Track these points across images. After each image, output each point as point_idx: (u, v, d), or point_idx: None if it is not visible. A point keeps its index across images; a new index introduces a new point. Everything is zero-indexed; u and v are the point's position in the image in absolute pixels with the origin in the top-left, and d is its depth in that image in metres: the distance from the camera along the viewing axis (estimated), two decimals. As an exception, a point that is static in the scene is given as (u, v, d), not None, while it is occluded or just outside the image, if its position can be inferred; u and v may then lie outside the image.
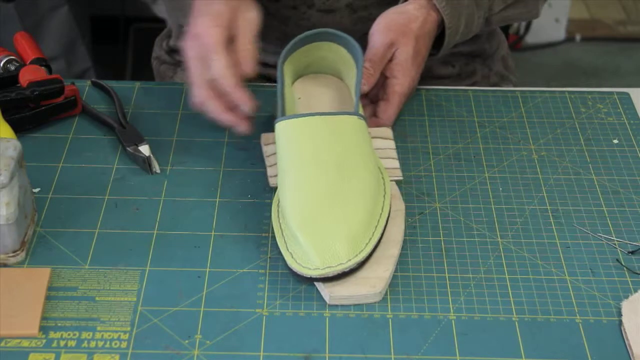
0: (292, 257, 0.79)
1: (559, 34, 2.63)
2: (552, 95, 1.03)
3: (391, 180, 0.88)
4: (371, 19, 1.01)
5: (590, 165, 0.94)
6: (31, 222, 0.83)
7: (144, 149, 0.91)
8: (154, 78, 1.27)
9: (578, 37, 2.66)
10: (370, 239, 0.80)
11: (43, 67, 0.98)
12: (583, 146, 0.96)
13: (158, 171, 0.91)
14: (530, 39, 2.58)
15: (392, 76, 0.96)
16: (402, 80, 0.95)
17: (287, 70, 0.92)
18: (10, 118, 0.91)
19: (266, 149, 0.92)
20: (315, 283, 0.79)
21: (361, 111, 0.90)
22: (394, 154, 0.92)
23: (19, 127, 0.92)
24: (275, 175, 0.88)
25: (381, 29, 0.96)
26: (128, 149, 0.92)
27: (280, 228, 0.82)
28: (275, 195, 0.85)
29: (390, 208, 0.84)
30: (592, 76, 2.51)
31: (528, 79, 2.28)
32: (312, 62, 0.96)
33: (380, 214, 0.82)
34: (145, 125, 0.96)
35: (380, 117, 0.96)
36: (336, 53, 0.94)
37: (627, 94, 1.04)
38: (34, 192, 0.87)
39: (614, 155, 0.95)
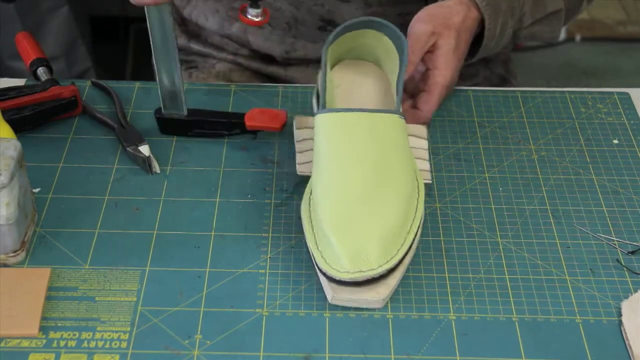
0: (322, 256, 0.78)
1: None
2: (552, 95, 1.03)
3: None
4: (383, 16, 1.00)
5: (590, 165, 0.94)
6: (31, 222, 0.83)
7: (144, 149, 0.91)
8: (154, 77, 1.27)
9: (578, 37, 2.66)
10: (402, 244, 0.78)
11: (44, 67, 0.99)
12: (583, 146, 0.96)
13: (158, 171, 0.91)
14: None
15: (434, 67, 0.94)
16: (444, 71, 0.94)
17: (328, 54, 0.90)
18: (10, 118, 0.91)
19: (298, 133, 0.90)
20: (322, 280, 0.79)
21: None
22: (426, 155, 0.89)
23: (19, 127, 0.91)
24: (305, 163, 0.87)
25: (423, 19, 0.95)
26: (128, 149, 0.92)
27: (311, 223, 0.81)
28: (307, 187, 0.84)
29: (423, 213, 0.83)
30: (592, 76, 2.50)
31: (528, 79, 2.28)
32: (353, 47, 0.94)
33: (413, 218, 0.81)
34: (145, 125, 0.96)
35: (420, 109, 0.94)
36: (380, 41, 0.92)
37: (627, 94, 1.04)
38: (34, 192, 0.87)
39: (614, 155, 0.95)
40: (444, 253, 0.83)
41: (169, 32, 0.87)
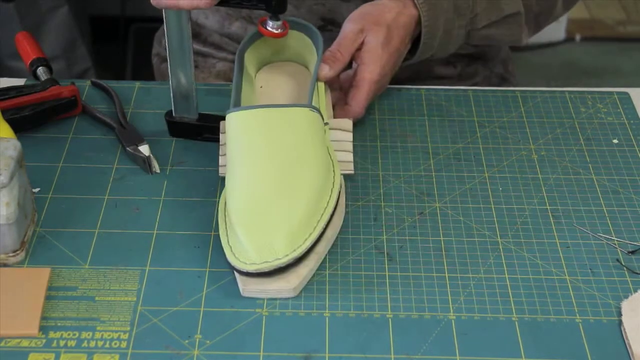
0: (232, 250, 0.78)
1: (559, 34, 2.63)
2: (552, 95, 1.03)
3: (342, 174, 0.86)
4: None
5: (590, 165, 0.94)
6: (31, 222, 0.83)
7: (144, 149, 0.91)
8: (154, 77, 1.27)
9: (578, 37, 2.66)
10: (311, 234, 0.79)
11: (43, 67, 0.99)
12: (583, 146, 0.96)
13: (158, 171, 0.91)
14: (531, 38, 2.58)
15: (362, 63, 0.95)
16: (372, 66, 0.95)
17: (250, 59, 0.92)
18: (10, 118, 0.91)
19: (222, 137, 0.90)
20: (235, 274, 0.79)
21: (322, 102, 0.89)
22: (350, 147, 0.89)
23: (19, 127, 0.91)
24: (224, 165, 0.87)
25: (353, 18, 0.97)
26: (128, 149, 0.92)
27: (225, 221, 0.82)
28: (225, 187, 0.84)
29: (336, 204, 0.83)
30: (592, 76, 2.51)
31: (528, 79, 2.29)
32: (276, 50, 0.95)
33: (325, 208, 0.81)
34: (145, 125, 0.96)
35: (349, 104, 0.95)
36: (301, 41, 0.93)
37: (627, 94, 1.04)
38: (34, 192, 0.87)
39: (614, 155, 0.95)
40: (443, 253, 0.83)
41: (185, 36, 0.87)
